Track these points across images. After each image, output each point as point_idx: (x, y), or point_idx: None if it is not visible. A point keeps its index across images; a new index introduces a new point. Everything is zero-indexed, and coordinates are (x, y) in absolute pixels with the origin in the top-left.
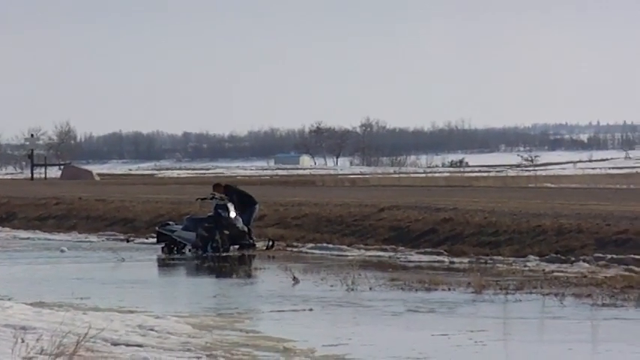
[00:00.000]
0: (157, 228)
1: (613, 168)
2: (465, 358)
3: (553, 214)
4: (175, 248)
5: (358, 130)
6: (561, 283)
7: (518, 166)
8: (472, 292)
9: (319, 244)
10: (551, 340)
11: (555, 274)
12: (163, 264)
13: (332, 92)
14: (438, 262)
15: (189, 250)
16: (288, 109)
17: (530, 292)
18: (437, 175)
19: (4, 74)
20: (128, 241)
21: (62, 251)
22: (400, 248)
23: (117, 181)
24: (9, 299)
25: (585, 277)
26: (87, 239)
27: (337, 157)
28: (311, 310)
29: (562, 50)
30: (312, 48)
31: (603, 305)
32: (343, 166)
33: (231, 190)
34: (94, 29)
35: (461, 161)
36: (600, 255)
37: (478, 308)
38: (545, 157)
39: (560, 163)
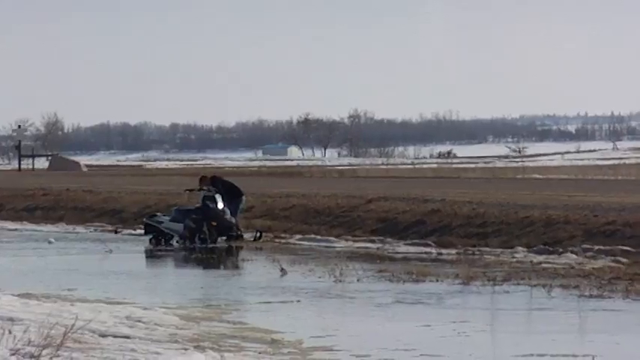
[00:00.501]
0: (144, 219)
1: (601, 159)
2: (450, 349)
3: (541, 205)
4: (163, 239)
5: (346, 121)
6: (549, 274)
7: (506, 157)
8: (460, 284)
9: (307, 236)
10: (536, 331)
11: (543, 265)
12: (151, 255)
13: (320, 83)
14: (425, 253)
15: (177, 242)
16: (276, 100)
17: (518, 284)
18: (425, 166)
19: None
20: (116, 232)
21: (50, 242)
22: (388, 239)
23: (105, 172)
24: None
25: (573, 268)
26: (74, 230)
27: (325, 148)
28: (299, 301)
29: (549, 41)
30: (301, 39)
31: (591, 296)
32: (331, 157)
33: (217, 182)
34: (82, 20)
35: (449, 152)
36: (588, 246)
37: (466, 299)
38: (533, 148)
39: (548, 154)
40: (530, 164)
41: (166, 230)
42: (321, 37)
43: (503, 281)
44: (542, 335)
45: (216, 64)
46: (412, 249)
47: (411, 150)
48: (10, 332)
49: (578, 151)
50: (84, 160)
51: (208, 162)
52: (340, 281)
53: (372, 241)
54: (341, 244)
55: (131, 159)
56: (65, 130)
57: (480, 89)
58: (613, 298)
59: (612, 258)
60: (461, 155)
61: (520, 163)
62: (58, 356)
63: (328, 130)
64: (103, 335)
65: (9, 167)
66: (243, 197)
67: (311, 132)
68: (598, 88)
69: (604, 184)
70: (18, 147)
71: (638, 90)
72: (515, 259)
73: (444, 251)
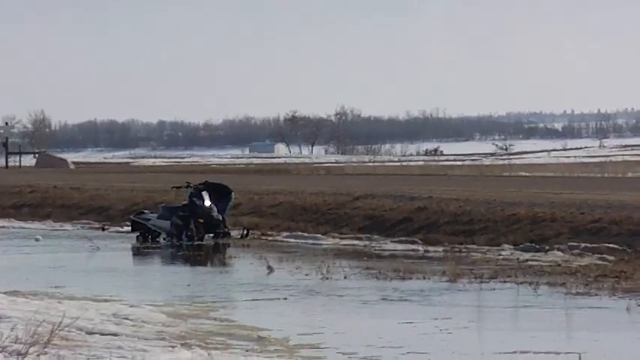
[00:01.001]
0: (131, 216)
1: (587, 157)
2: (435, 346)
3: (527, 202)
4: (150, 237)
5: (333, 118)
6: (535, 271)
7: (492, 154)
8: (447, 281)
9: (294, 233)
10: (522, 329)
11: (529, 262)
12: (138, 252)
13: (307, 81)
14: (412, 250)
15: (164, 239)
16: (263, 97)
17: (505, 281)
18: (412, 163)
19: None
20: (103, 230)
21: (37, 240)
22: (375, 237)
23: (92, 170)
24: None
25: (559, 265)
26: (62, 228)
27: (312, 146)
28: (285, 299)
29: (536, 39)
30: (287, 37)
31: (577, 294)
32: (318, 154)
33: (206, 183)
34: (69, 17)
35: (435, 150)
36: (574, 244)
37: (452, 297)
38: (520, 145)
39: (535, 151)
40: (517, 162)
41: (153, 227)
42: (307, 35)
43: (490, 279)
44: (528, 332)
45: (203, 61)
46: (399, 246)
47: (397, 147)
48: None
49: (564, 149)
50: (71, 157)
51: (195, 159)
52: (327, 279)
53: (359, 239)
54: (328, 242)
55: (118, 156)
56: (52, 128)
57: (467, 87)
58: (599, 295)
59: (599, 255)
60: (448, 153)
61: (507, 161)
62: (46, 354)
63: (315, 127)
64: (90, 333)
65: None
66: (232, 194)
67: (298, 129)
68: (584, 86)
69: (590, 182)
70: (5, 144)
71: (624, 88)
72: (501, 257)
73: (430, 249)
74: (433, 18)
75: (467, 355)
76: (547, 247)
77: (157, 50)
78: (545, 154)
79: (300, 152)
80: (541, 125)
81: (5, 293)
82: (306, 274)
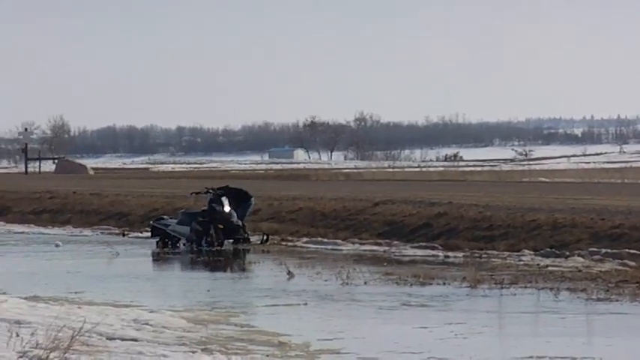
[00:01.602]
0: (151, 222)
1: (607, 162)
2: (455, 352)
3: (547, 208)
4: (170, 242)
5: (352, 124)
6: (556, 277)
7: (512, 160)
8: (467, 287)
9: (314, 239)
10: (538, 334)
11: (550, 268)
12: (158, 258)
13: (326, 86)
14: (432, 256)
15: (184, 245)
16: (282, 103)
17: (525, 287)
18: (431, 169)
19: None
20: (124, 235)
21: (57, 245)
22: (395, 242)
23: (111, 175)
24: (4, 293)
25: (580, 271)
26: (81, 233)
27: (331, 152)
28: (306, 304)
29: (556, 45)
30: (307, 42)
31: (598, 300)
32: (337, 160)
33: (225, 188)
34: (89, 22)
35: (455, 155)
36: (595, 249)
37: (473, 303)
38: (540, 151)
39: (555, 157)
40: (537, 167)
41: (173, 233)
42: (327, 39)
43: (511, 284)
44: (547, 338)
45: (223, 66)
46: (419, 252)
47: (417, 153)
48: (17, 335)
49: (584, 155)
50: (90, 163)
51: (214, 165)
52: (347, 284)
53: (379, 244)
54: (348, 247)
55: (137, 162)
56: (72, 133)
57: (487, 92)
58: (620, 301)
59: (619, 261)
60: (467, 158)
61: (526, 167)
62: (66, 359)
63: (334, 133)
64: (111, 338)
65: (15, 170)
66: (252, 199)
67: (317, 135)
68: (604, 91)
69: (611, 188)
70: (24, 150)
71: None
72: (522, 263)
73: (450, 254)
74: (453, 23)
75: None
76: (567, 253)
77: (176, 55)
78: (564, 159)
79: (320, 158)
80: (560, 131)
81: (25, 298)
82: (326, 280)
